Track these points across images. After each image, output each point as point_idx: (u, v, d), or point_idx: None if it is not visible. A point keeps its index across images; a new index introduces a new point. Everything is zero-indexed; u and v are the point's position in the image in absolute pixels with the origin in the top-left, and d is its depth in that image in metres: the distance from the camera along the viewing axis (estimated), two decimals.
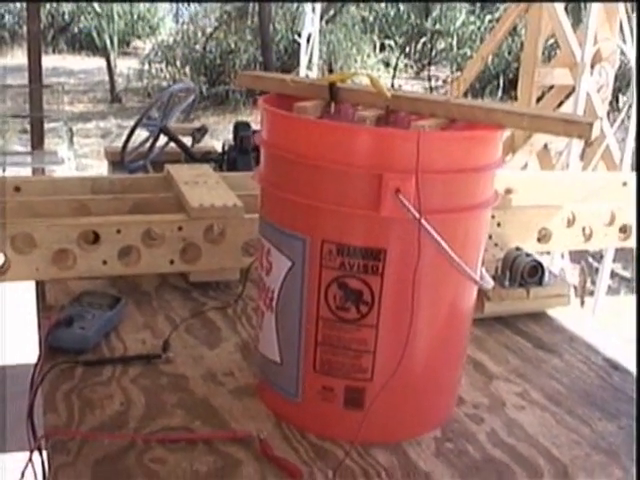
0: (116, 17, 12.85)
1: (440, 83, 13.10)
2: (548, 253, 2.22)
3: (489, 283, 1.12)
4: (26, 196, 1.61)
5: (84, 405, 1.12)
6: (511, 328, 1.48)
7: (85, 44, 14.46)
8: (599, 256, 3.41)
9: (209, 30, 12.38)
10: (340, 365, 1.04)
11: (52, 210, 1.53)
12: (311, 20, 6.04)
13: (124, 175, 2.35)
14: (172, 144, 3.21)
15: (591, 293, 3.60)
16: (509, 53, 12.43)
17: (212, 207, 1.49)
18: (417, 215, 0.94)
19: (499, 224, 1.67)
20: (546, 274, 1.51)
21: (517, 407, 1.21)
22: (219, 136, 8.34)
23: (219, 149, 3.23)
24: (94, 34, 12.74)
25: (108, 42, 11.93)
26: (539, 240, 1.74)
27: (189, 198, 1.52)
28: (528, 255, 1.51)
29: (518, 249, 1.53)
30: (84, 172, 6.59)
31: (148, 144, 3.15)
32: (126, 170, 3.06)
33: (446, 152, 0.97)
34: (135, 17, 14.97)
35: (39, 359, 1.21)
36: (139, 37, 15.45)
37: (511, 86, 12.00)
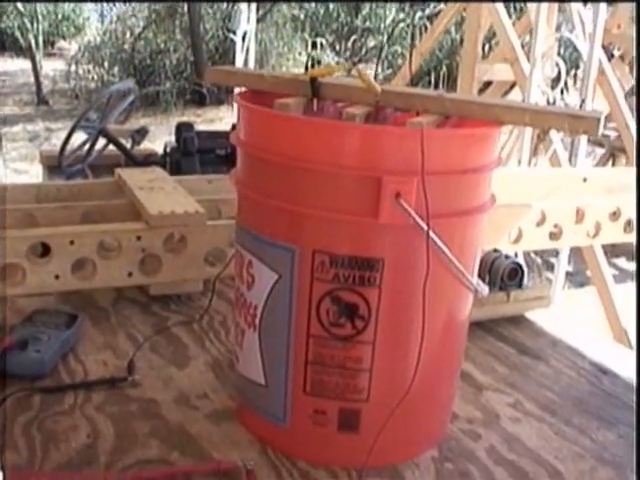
0: (40, 17, 12.48)
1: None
2: None
3: (485, 290, 1.04)
4: None
5: (46, 439, 1.01)
6: (492, 334, 1.42)
7: (8, 45, 14.02)
8: (554, 252, 3.40)
9: (137, 30, 12.11)
10: (333, 386, 0.95)
11: None
12: (247, 18, 5.90)
13: (71, 181, 2.22)
14: (111, 147, 3.07)
15: None
16: (440, 50, 12.48)
17: (173, 214, 1.38)
18: (421, 222, 0.85)
19: None
20: (525, 276, 1.45)
21: (512, 419, 1.14)
22: (151, 137, 8.15)
23: (159, 151, 3.11)
24: (18, 34, 12.35)
25: (33, 42, 11.57)
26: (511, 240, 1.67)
27: (147, 205, 1.41)
28: (507, 257, 1.44)
29: (496, 251, 1.46)
30: (19, 177, 6.33)
31: (86, 147, 3.01)
32: (64, 175, 2.92)
33: (446, 152, 0.89)
34: (60, 17, 14.58)
35: None
36: (64, 37, 15.03)
37: (442, 82, 12.08)
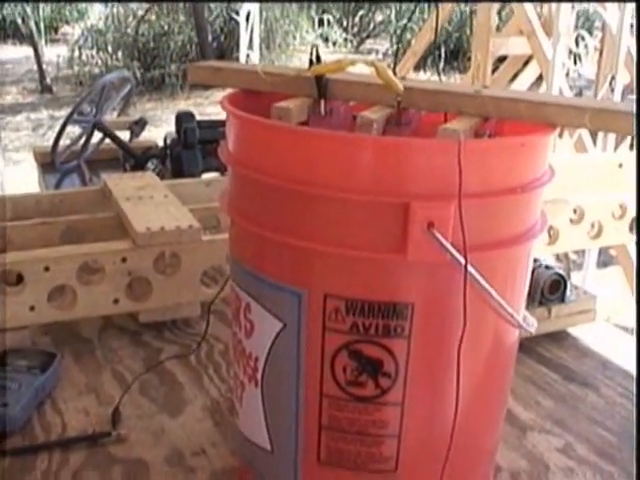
0: (41, 3, 12.28)
1: (380, 56, 12.83)
2: None
3: (532, 326, 0.86)
4: None
5: None
6: (532, 355, 1.24)
7: (10, 32, 13.82)
8: None
9: (140, 13, 11.89)
10: (354, 455, 0.77)
11: None
12: None
13: (52, 191, 2.05)
14: (108, 140, 2.90)
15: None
16: (449, 23, 12.22)
17: (162, 231, 1.21)
18: (460, 258, 0.67)
19: None
20: (568, 288, 1.27)
21: (564, 470, 0.97)
22: (157, 123, 7.95)
23: (160, 142, 2.94)
24: (19, 21, 12.16)
25: (34, 29, 11.38)
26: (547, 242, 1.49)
27: (133, 220, 1.23)
28: (548, 267, 1.26)
29: (535, 260, 1.28)
30: (15, 168, 6.17)
31: (81, 142, 2.84)
32: (58, 172, 2.76)
33: (487, 167, 0.71)
34: (61, 2, 14.37)
35: None
36: (67, 22, 14.83)
37: (452, 57, 11.85)
